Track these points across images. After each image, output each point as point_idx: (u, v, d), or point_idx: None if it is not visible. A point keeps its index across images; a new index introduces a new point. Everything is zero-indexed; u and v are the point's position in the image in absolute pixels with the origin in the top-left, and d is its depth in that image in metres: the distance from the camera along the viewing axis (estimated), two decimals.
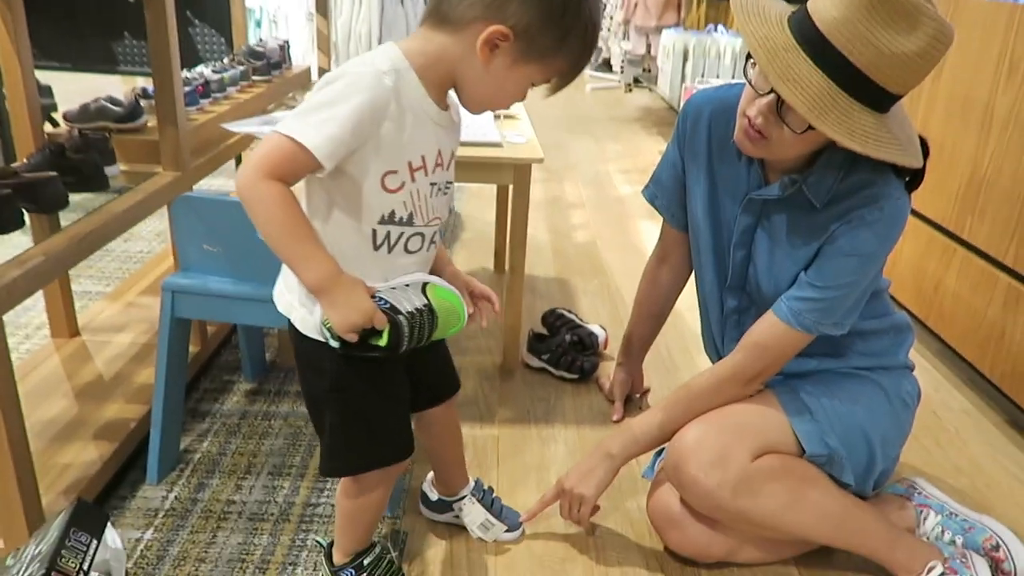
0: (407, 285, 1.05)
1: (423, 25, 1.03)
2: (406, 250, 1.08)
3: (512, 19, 0.97)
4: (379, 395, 1.13)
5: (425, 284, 1.05)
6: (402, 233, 1.06)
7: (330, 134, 0.94)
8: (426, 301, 1.03)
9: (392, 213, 1.04)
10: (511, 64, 1.00)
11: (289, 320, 1.11)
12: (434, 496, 1.46)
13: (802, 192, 1.26)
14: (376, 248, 1.06)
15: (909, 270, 2.29)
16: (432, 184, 1.07)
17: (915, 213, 2.26)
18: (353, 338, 0.98)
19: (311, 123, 0.94)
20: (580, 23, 1.00)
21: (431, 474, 1.46)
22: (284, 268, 1.13)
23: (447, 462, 1.42)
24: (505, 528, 1.44)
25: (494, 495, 1.47)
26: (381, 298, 1.01)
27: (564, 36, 1.00)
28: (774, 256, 1.34)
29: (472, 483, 1.45)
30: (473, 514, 1.43)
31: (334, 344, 1.00)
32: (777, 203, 1.31)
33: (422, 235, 1.09)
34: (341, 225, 1.04)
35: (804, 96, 1.09)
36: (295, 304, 1.09)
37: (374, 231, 1.04)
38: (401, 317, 0.99)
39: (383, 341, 0.99)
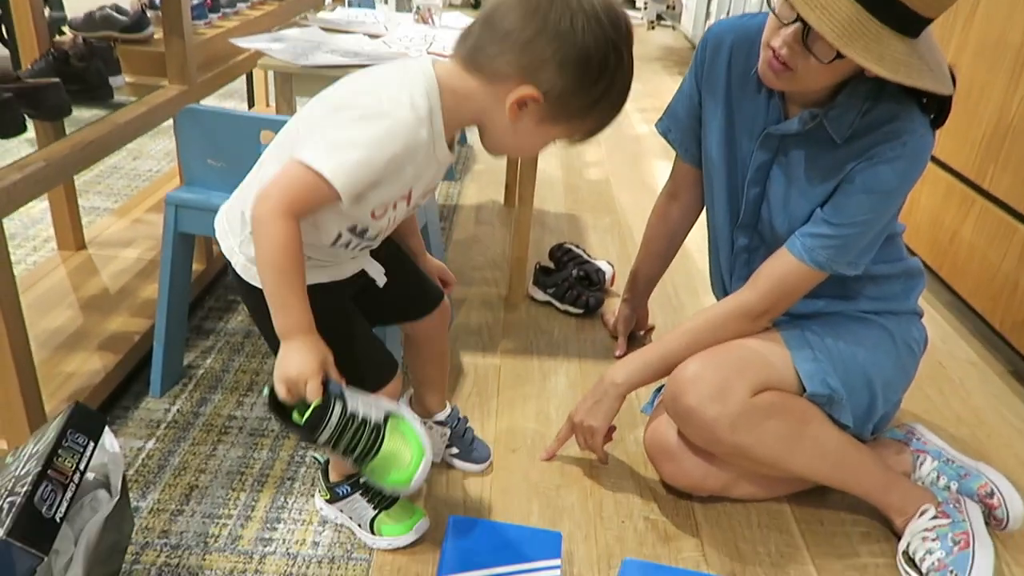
0: (378, 402, 0.99)
1: (455, 59, 1.00)
2: (354, 249, 1.10)
3: (546, 84, 0.95)
4: (337, 328, 1.06)
5: (390, 413, 0.98)
6: (359, 243, 1.09)
7: (361, 178, 0.93)
8: (380, 422, 0.96)
9: (365, 230, 1.06)
10: (538, 123, 0.99)
11: (230, 263, 1.10)
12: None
13: (822, 127, 1.23)
14: (332, 245, 1.07)
15: (925, 219, 2.25)
16: (407, 208, 1.09)
17: (935, 160, 2.21)
18: (281, 391, 0.93)
19: (345, 164, 0.92)
20: (613, 91, 0.98)
21: (411, 391, 1.44)
22: (230, 205, 1.11)
23: (426, 384, 1.40)
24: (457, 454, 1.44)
25: (467, 425, 1.46)
26: (336, 384, 0.95)
27: (595, 103, 0.98)
28: (789, 194, 1.31)
29: (448, 410, 1.43)
30: (432, 440, 1.41)
31: (264, 392, 0.95)
32: (795, 138, 1.28)
33: (373, 245, 1.14)
34: (308, 222, 1.00)
35: (831, 22, 1.04)
36: (235, 248, 1.07)
37: (340, 234, 1.05)
38: (338, 404, 0.92)
39: (302, 416, 0.92)
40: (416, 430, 0.98)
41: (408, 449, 0.96)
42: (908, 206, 2.32)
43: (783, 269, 1.29)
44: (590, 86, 0.96)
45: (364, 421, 0.95)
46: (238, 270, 1.09)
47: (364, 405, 0.96)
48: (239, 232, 1.08)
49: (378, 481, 0.98)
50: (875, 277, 1.37)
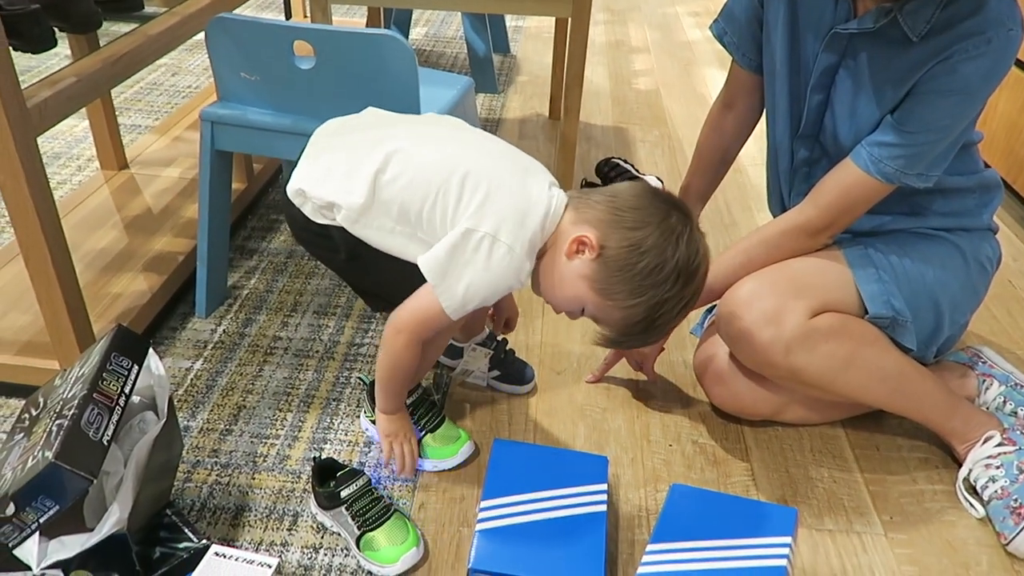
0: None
1: (570, 210, 1.07)
2: None
3: (604, 249, 1.03)
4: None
5: (399, 509, 1.15)
6: None
7: (470, 307, 1.06)
8: (391, 504, 1.14)
9: None
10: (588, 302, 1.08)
11: (293, 205, 1.13)
12: (448, 340, 1.44)
13: (896, 24, 1.12)
14: None
15: (1002, 127, 2.10)
16: None
17: (1017, 62, 2.04)
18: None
19: (467, 306, 1.05)
20: (642, 340, 1.10)
21: None
22: (307, 167, 1.13)
23: None
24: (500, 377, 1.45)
25: (508, 347, 1.44)
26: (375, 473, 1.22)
27: (626, 342, 1.13)
28: (857, 101, 1.21)
29: (487, 331, 1.42)
30: (473, 359, 1.42)
31: (314, 456, 1.20)
32: (865, 38, 1.17)
33: None
34: (392, 233, 1.09)
35: None
36: (307, 208, 1.12)
37: None
38: (366, 476, 1.13)
39: (338, 474, 1.14)
40: (417, 527, 1.15)
41: (407, 533, 1.11)
42: (984, 112, 2.16)
43: (846, 182, 1.21)
44: (638, 332, 1.07)
45: (380, 497, 1.13)
46: (307, 212, 1.12)
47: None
48: (312, 199, 1.10)
49: (371, 550, 1.10)
50: (946, 190, 1.27)
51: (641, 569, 1.03)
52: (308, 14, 2.95)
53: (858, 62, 1.19)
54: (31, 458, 0.89)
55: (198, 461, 1.26)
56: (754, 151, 1.52)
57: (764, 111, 1.44)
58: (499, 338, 1.42)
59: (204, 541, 1.06)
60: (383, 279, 1.14)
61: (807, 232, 1.26)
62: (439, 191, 1.04)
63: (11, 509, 0.89)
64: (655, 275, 1.01)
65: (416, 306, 1.08)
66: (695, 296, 1.06)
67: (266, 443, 1.30)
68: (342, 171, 1.09)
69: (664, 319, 1.06)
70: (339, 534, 1.14)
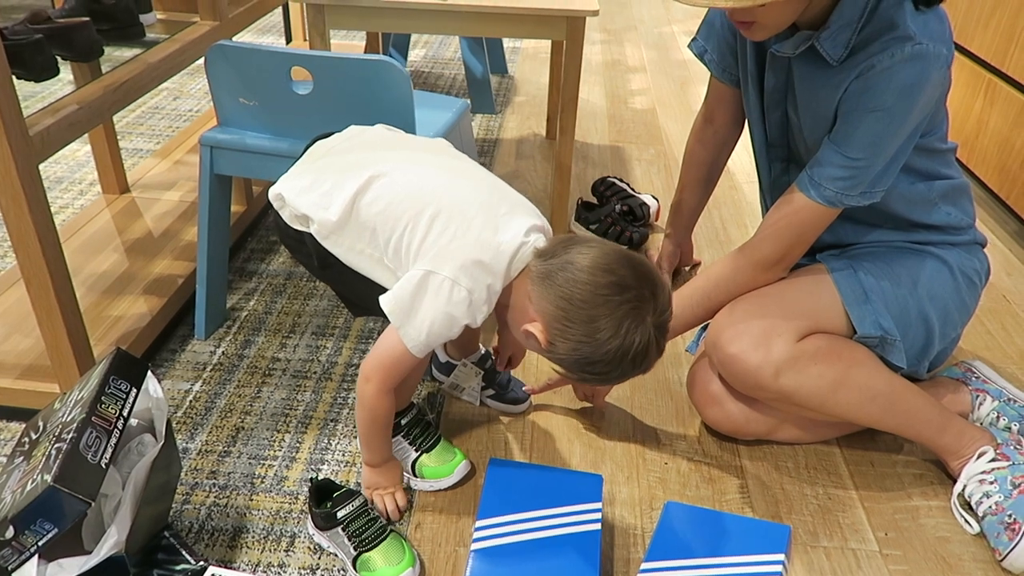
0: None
1: (535, 261, 1.06)
2: None
3: (552, 347, 1.04)
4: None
5: (394, 530, 1.16)
6: None
7: (434, 343, 1.07)
8: (387, 525, 1.14)
9: None
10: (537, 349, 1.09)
11: (275, 210, 1.18)
12: (443, 358, 1.46)
13: (814, 49, 1.14)
14: None
15: (994, 143, 2.12)
16: None
17: (1004, 77, 2.06)
18: (370, 495, 1.21)
19: (429, 336, 1.04)
20: (600, 379, 1.08)
21: None
22: (294, 177, 1.17)
23: None
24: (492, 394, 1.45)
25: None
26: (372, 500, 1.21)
27: (583, 379, 1.12)
28: (808, 119, 1.22)
29: (482, 351, 1.43)
30: (464, 376, 1.43)
31: (311, 477, 1.21)
32: (802, 59, 1.19)
33: None
34: (360, 255, 1.12)
35: None
36: (285, 213, 1.16)
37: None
38: (362, 497, 1.14)
39: (335, 495, 1.15)
40: (413, 546, 1.16)
41: (403, 554, 1.11)
42: (974, 130, 2.19)
43: (790, 209, 1.21)
44: (592, 373, 1.05)
45: (376, 518, 1.14)
46: (285, 217, 1.16)
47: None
48: (291, 209, 1.15)
49: (368, 571, 1.10)
50: (928, 201, 1.28)
51: None
52: (307, 39, 2.99)
53: (802, 82, 1.21)
54: (30, 481, 0.90)
55: (196, 483, 1.27)
56: (750, 168, 1.54)
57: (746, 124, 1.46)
58: (494, 358, 1.43)
59: (202, 563, 1.07)
60: (355, 289, 1.16)
61: (760, 267, 1.26)
62: (408, 225, 1.06)
63: (10, 532, 0.90)
64: (604, 363, 1.02)
65: (382, 351, 1.09)
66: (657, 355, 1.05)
67: (264, 464, 1.31)
68: (324, 188, 1.12)
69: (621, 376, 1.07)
70: (336, 554, 1.15)
